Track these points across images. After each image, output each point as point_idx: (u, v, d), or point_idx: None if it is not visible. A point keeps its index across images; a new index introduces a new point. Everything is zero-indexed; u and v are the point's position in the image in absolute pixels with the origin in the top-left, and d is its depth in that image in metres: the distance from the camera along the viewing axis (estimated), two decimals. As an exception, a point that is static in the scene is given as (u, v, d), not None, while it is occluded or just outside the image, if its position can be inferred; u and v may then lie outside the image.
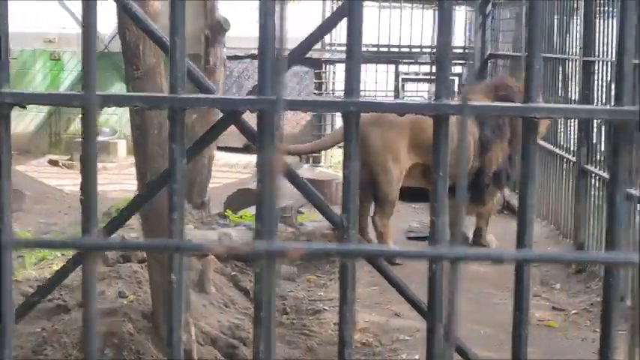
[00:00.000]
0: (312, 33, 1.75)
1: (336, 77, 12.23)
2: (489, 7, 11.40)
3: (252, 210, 7.80)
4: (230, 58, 11.91)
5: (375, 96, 11.85)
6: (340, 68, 12.19)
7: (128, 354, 3.86)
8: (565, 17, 7.71)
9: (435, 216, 1.39)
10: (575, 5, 7.38)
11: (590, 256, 1.50)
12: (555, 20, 7.86)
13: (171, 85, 1.38)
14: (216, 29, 7.46)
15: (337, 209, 6.30)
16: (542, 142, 8.52)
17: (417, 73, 12.08)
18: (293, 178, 2.19)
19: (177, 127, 1.39)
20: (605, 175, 6.52)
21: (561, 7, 7.78)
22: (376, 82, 11.96)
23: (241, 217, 7.46)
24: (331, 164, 11.92)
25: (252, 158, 11.53)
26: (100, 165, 10.05)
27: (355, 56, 1.38)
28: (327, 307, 6.20)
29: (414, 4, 12.05)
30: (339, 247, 1.18)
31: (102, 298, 4.79)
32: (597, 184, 6.73)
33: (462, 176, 0.96)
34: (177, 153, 1.40)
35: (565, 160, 7.61)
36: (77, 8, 11.62)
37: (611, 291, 1.36)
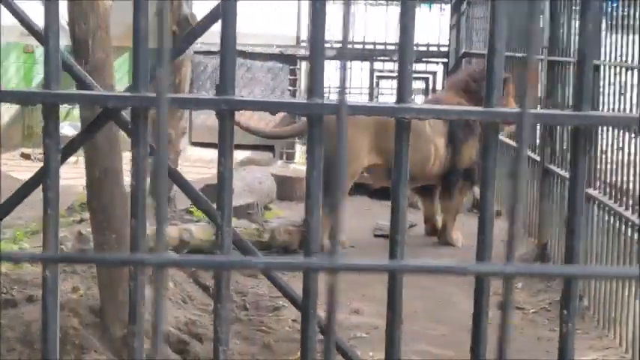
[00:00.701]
0: (196, 27, 1.74)
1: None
2: (464, 5, 11.42)
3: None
4: (204, 53, 11.90)
5: (350, 93, 11.85)
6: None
7: (71, 348, 3.85)
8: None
9: (309, 215, 1.39)
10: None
11: (589, 270, 1.48)
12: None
13: (45, 81, 1.38)
14: (183, 25, 7.44)
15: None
16: (508, 141, 8.55)
17: (391, 71, 12.10)
18: (171, 173, 2.18)
19: (51, 122, 1.39)
20: (565, 174, 6.55)
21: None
22: (351, 79, 11.96)
23: (206, 212, 7.45)
24: (305, 161, 11.91)
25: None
26: (72, 159, 10.00)
27: (229, 53, 1.38)
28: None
29: (389, 2, 12.06)
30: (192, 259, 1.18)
31: (54, 293, 4.77)
32: (560, 184, 6.76)
33: (338, 178, 0.96)
34: (51, 149, 1.39)
35: (530, 159, 7.63)
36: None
37: (570, 292, 1.36)
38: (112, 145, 4.22)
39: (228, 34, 1.34)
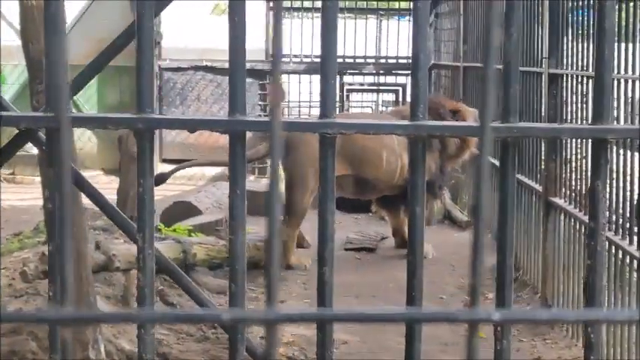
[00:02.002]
0: (113, 43, 1.70)
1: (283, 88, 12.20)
2: (432, 17, 11.44)
3: (187, 222, 7.74)
4: (173, 69, 11.85)
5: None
6: (284, 79, 12.16)
7: (30, 373, 3.78)
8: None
9: (234, 235, 1.36)
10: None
11: (592, 314, 1.43)
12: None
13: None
14: (148, 41, 7.39)
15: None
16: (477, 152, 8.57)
17: (361, 84, 12.09)
18: (84, 187, 2.14)
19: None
20: (533, 184, 6.55)
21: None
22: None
23: (174, 230, 7.39)
24: (277, 176, 11.86)
25: (196, 170, 11.47)
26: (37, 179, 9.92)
27: (146, 68, 1.35)
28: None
29: (358, 15, 12.07)
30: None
31: (16, 316, 4.69)
32: (528, 194, 6.75)
33: (272, 203, 0.91)
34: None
35: (498, 169, 7.63)
36: (18, 20, 11.47)
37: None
38: (72, 160, 4.16)
39: (145, 48, 1.30)
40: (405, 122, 1.30)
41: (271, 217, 0.77)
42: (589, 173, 5.27)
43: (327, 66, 1.24)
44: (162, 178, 7.91)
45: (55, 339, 1.29)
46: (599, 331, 1.28)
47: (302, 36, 11.81)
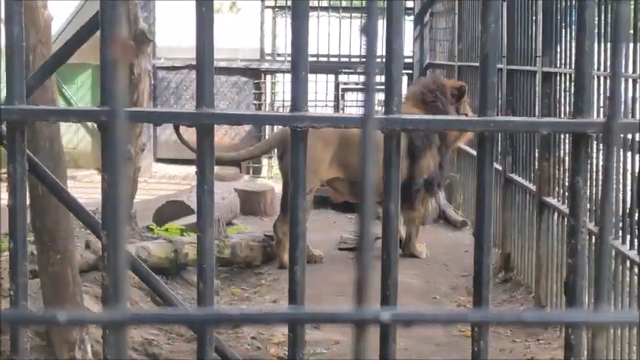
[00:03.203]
0: (77, 34, 1.65)
1: (276, 87, 12.16)
2: (427, 16, 11.41)
3: (179, 222, 7.69)
4: (167, 68, 11.81)
5: (315, 106, 11.79)
6: (280, 78, 12.12)
7: (14, 374, 3.73)
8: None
9: (202, 232, 1.31)
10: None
11: (591, 317, 1.37)
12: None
13: None
14: (140, 39, 7.34)
15: (270, 221, 6.19)
16: (469, 150, 8.52)
17: (356, 83, 12.06)
18: (56, 190, 2.09)
19: None
20: (527, 184, 6.51)
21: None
22: (316, 92, 11.91)
23: (167, 229, 7.34)
24: (272, 175, 11.84)
25: (191, 169, 11.41)
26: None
27: (110, 62, 1.30)
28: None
29: (353, 14, 12.03)
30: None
31: (3, 316, 4.64)
32: (522, 193, 6.71)
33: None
34: None
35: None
36: None
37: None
38: (55, 162, 4.11)
39: (108, 40, 1.26)
40: (379, 116, 1.25)
41: (114, 228, 0.73)
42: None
43: (298, 59, 1.20)
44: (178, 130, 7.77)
45: (15, 340, 1.25)
46: (579, 332, 1.24)
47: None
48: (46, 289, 4.15)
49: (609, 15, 4.85)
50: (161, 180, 11.73)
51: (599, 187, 4.94)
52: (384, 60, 1.39)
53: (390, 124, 1.23)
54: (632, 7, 4.46)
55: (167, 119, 1.31)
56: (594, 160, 5.05)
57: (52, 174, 4.11)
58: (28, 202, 4.22)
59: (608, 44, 4.85)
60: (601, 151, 4.97)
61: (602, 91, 4.93)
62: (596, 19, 4.91)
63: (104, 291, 1.29)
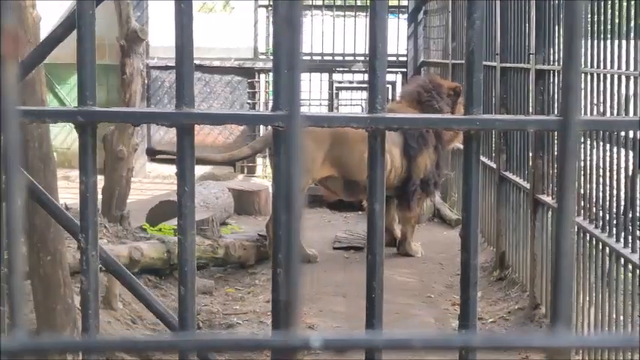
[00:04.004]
0: (54, 32, 1.63)
1: (270, 86, 12.12)
2: (421, 14, 11.39)
3: (173, 222, 7.66)
4: (161, 68, 11.77)
5: (310, 105, 11.77)
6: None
7: (4, 377, 3.69)
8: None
9: (182, 235, 1.28)
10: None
11: (585, 340, 1.36)
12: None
13: None
14: (132, 39, 7.31)
15: (264, 221, 6.15)
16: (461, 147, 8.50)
17: (350, 82, 12.03)
18: (31, 190, 2.06)
19: None
20: (521, 182, 6.49)
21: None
22: (310, 90, 11.88)
23: (160, 229, 7.31)
24: (266, 175, 11.82)
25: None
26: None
27: (87, 61, 1.27)
28: (240, 322, 6.07)
29: (347, 13, 12.00)
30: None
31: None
32: (516, 191, 6.69)
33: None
34: None
35: (486, 166, 7.58)
36: None
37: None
38: (46, 163, 4.08)
39: (85, 38, 1.23)
40: (362, 115, 1.23)
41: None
42: (577, 171, 5.20)
43: (279, 57, 1.17)
44: (152, 152, 7.84)
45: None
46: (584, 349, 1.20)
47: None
48: (37, 291, 4.12)
49: (601, 12, 4.82)
50: (155, 180, 11.69)
51: (592, 185, 4.92)
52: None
53: (374, 123, 1.20)
54: (633, 4, 4.44)
55: (146, 119, 1.28)
56: (592, 158, 5.03)
57: (42, 174, 4.09)
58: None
59: (601, 42, 4.83)
60: (595, 149, 4.95)
61: (594, 89, 4.90)
62: (588, 16, 4.89)
63: (82, 295, 1.26)
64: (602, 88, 4.78)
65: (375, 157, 1.26)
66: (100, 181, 8.13)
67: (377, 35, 1.23)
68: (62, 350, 0.75)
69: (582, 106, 4.97)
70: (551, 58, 5.86)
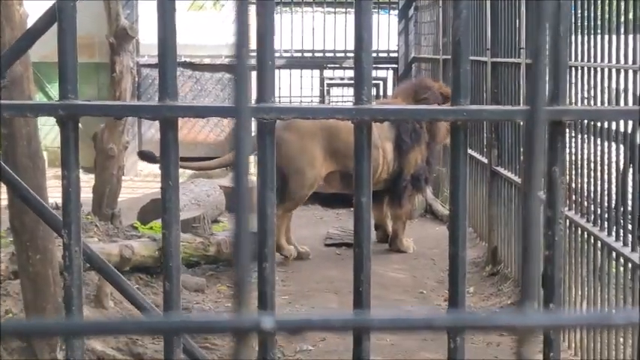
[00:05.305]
0: (34, 26, 1.61)
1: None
2: (412, 10, 11.38)
3: (164, 220, 7.63)
4: (152, 66, 11.72)
5: (301, 101, 11.75)
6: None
7: (-6, 376, 3.68)
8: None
9: (167, 230, 1.26)
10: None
11: (584, 318, 1.33)
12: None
13: None
14: (122, 36, 7.27)
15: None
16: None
17: (342, 78, 12.01)
18: (15, 186, 2.04)
19: None
20: (513, 177, 6.48)
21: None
22: (301, 87, 11.86)
23: (151, 227, 7.29)
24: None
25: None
26: None
27: (69, 54, 1.25)
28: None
29: (337, 9, 11.98)
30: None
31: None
32: (508, 186, 6.69)
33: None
34: None
35: (478, 162, 7.57)
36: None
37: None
38: (34, 162, 4.06)
39: (66, 30, 1.21)
40: (348, 106, 1.21)
41: None
42: (567, 164, 5.20)
43: (264, 48, 1.16)
44: (149, 156, 7.83)
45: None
46: (558, 330, 1.19)
47: (282, 31, 11.70)
48: (27, 290, 4.10)
49: (591, 6, 4.81)
50: (146, 178, 11.66)
51: (584, 179, 4.91)
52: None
53: (359, 114, 1.18)
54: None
55: (128, 112, 1.27)
56: (588, 150, 5.03)
57: (31, 173, 4.06)
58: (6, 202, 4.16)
59: (591, 36, 4.82)
60: (587, 142, 4.95)
61: (583, 82, 4.90)
62: (578, 11, 4.88)
63: (66, 292, 1.24)
64: (592, 83, 4.78)
65: (362, 150, 1.25)
66: (91, 179, 8.13)
67: (362, 26, 1.22)
68: (42, 334, 0.73)
69: (573, 98, 4.96)
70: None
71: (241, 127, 0.66)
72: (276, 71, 11.26)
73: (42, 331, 0.76)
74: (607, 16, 4.66)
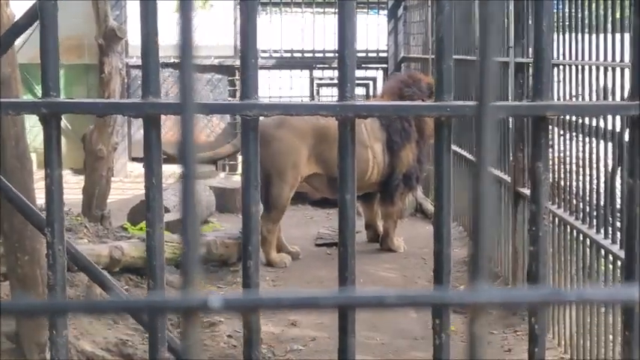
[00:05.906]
0: (16, 24, 1.60)
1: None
2: (401, 10, 11.39)
3: (154, 221, 7.62)
4: (141, 67, 11.70)
5: (290, 102, 11.75)
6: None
7: (-17, 378, 3.67)
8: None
9: (150, 231, 1.26)
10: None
11: (587, 293, 1.32)
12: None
13: None
14: (110, 37, 7.26)
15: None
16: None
17: (331, 78, 12.02)
18: (5, 191, 2.04)
19: None
20: (502, 175, 6.49)
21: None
22: (291, 87, 11.86)
23: (141, 228, 7.28)
24: (248, 172, 11.78)
25: (166, 168, 11.33)
26: None
27: (51, 54, 1.25)
28: (222, 319, 6.04)
29: (326, 10, 11.99)
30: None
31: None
32: (496, 185, 6.69)
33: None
34: None
35: (467, 160, 7.58)
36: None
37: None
38: (22, 162, 4.05)
39: (48, 29, 1.20)
40: (332, 103, 1.21)
41: None
42: (557, 162, 5.21)
43: (247, 47, 1.16)
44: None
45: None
46: (543, 319, 1.20)
47: (271, 32, 11.70)
48: (16, 291, 4.08)
49: (578, 6, 4.83)
50: (137, 179, 11.62)
51: (572, 177, 4.91)
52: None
53: (343, 110, 1.18)
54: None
55: (110, 110, 1.26)
56: (580, 147, 5.03)
57: (18, 174, 4.05)
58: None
59: (579, 34, 4.84)
60: (575, 140, 4.96)
61: (570, 79, 4.91)
62: (567, 10, 4.90)
63: (49, 290, 1.23)
64: (580, 79, 4.79)
65: (346, 146, 1.24)
66: (81, 180, 8.12)
67: (345, 24, 1.22)
68: (29, 313, 0.73)
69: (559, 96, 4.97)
70: (530, 51, 5.86)
71: (186, 122, 0.66)
72: (266, 72, 11.26)
73: (29, 310, 0.75)
74: (594, 14, 4.67)
